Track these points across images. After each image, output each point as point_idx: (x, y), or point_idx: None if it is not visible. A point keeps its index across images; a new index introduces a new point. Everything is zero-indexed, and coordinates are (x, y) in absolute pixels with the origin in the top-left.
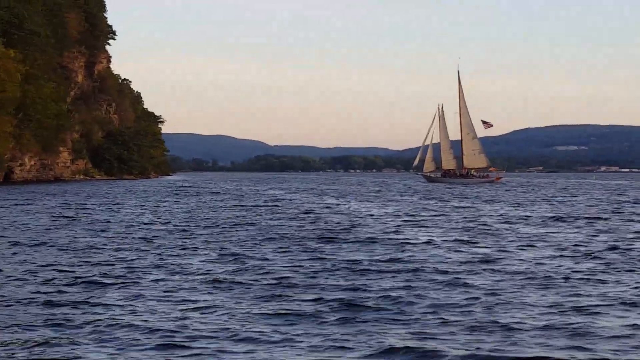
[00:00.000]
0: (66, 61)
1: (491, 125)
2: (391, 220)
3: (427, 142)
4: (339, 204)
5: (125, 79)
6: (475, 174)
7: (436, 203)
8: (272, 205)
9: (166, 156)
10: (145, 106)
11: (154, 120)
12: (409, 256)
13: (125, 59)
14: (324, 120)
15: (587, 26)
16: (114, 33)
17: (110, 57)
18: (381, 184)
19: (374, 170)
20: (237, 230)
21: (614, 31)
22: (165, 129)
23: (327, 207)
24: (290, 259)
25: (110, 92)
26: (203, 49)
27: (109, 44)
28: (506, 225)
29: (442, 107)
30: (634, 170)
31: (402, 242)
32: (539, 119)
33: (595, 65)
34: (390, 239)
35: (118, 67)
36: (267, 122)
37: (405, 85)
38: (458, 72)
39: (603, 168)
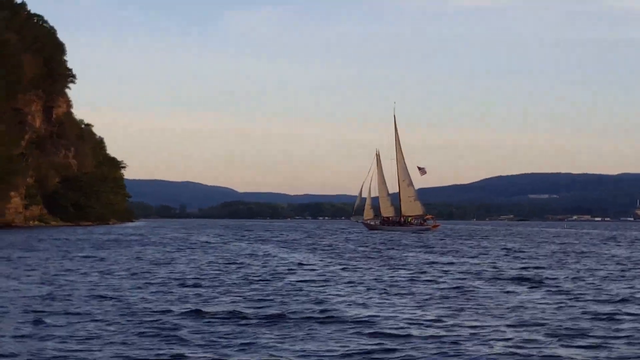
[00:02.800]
0: (20, 104)
1: (425, 172)
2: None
3: (365, 188)
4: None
5: (87, 124)
6: (413, 221)
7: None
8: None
9: (128, 202)
10: (109, 152)
11: (116, 165)
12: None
13: (89, 104)
14: (294, 168)
15: (563, 77)
16: (73, 77)
17: (70, 101)
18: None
19: (343, 218)
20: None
21: (589, 81)
22: (132, 175)
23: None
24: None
25: (69, 136)
26: (172, 96)
27: (68, 87)
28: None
29: (379, 153)
30: (606, 219)
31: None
32: (510, 166)
33: (568, 115)
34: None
35: (81, 112)
36: (236, 169)
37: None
38: (394, 117)
39: (575, 217)
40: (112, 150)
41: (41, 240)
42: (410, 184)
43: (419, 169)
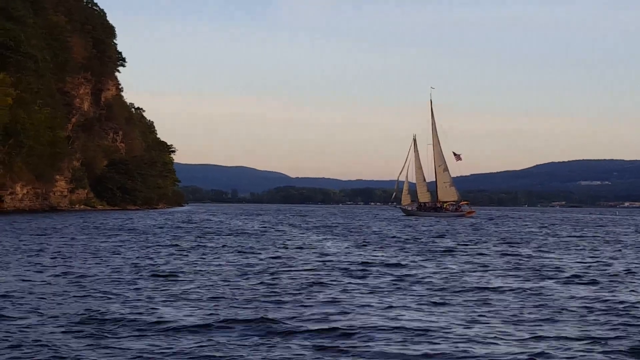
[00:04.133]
0: (68, 87)
1: (460, 158)
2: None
3: (403, 174)
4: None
5: (138, 108)
6: (448, 207)
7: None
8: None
9: (179, 187)
10: (160, 136)
11: (166, 149)
12: None
13: (142, 88)
14: (346, 154)
15: (616, 63)
16: (123, 60)
17: (120, 84)
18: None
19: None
20: None
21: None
22: (185, 160)
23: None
24: None
25: (118, 120)
26: (224, 82)
27: (118, 71)
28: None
29: (416, 139)
30: None
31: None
32: (562, 153)
33: (622, 101)
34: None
35: (132, 96)
36: (289, 155)
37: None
38: (431, 102)
39: (627, 203)
40: (164, 134)
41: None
42: (446, 169)
43: (455, 154)
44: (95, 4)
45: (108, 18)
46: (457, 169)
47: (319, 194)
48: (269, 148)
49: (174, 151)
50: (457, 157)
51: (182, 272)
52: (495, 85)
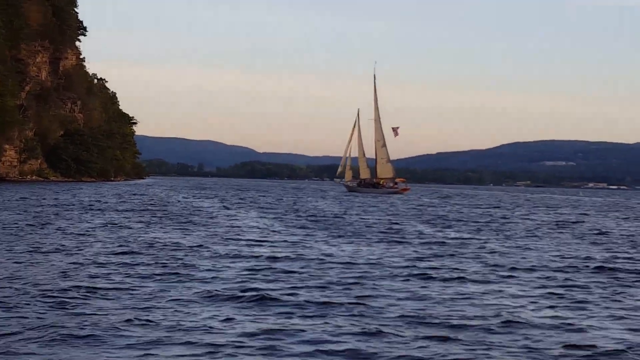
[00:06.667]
0: (23, 54)
1: (398, 133)
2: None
3: (348, 150)
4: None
5: (101, 79)
6: (384, 184)
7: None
8: None
9: (144, 160)
10: (124, 108)
11: (127, 121)
12: None
13: (107, 58)
14: (314, 129)
15: (578, 41)
16: (84, 29)
17: (81, 54)
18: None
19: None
20: None
21: (608, 48)
22: (152, 132)
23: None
24: None
25: (77, 90)
26: (190, 55)
27: (79, 40)
28: None
29: (359, 113)
30: (621, 187)
31: None
32: (527, 133)
33: (587, 81)
34: None
35: (97, 66)
36: (256, 129)
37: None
38: (374, 77)
39: (591, 184)
40: (129, 106)
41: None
42: (384, 145)
43: (393, 129)
44: None
45: None
46: (423, 147)
47: (285, 169)
48: (235, 121)
49: (135, 123)
50: (395, 131)
51: None
52: (463, 59)
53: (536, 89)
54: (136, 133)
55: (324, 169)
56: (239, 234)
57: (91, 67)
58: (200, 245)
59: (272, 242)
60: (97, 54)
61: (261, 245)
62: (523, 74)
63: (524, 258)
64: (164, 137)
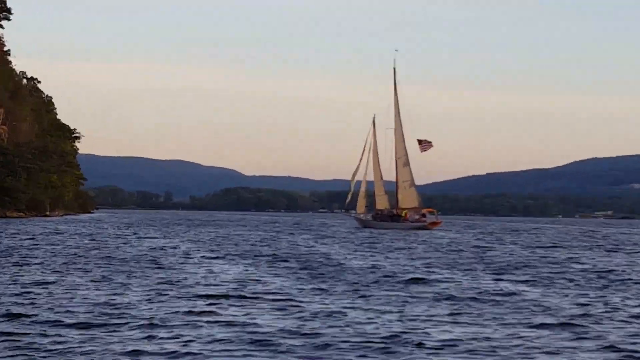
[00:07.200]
0: None
1: (426, 149)
2: None
3: (361, 172)
4: None
5: (32, 78)
6: (408, 217)
7: None
8: None
9: (84, 185)
10: (62, 117)
11: (68, 135)
12: None
13: (41, 54)
14: (318, 144)
15: None
16: (7, 11)
17: (5, 45)
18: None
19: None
20: None
21: None
22: (102, 150)
23: None
24: None
25: None
26: (153, 48)
27: (0, 25)
28: None
29: (374, 120)
30: None
31: None
32: (608, 147)
33: None
34: None
35: (27, 62)
36: (242, 145)
37: None
38: (394, 71)
39: None
40: (69, 115)
41: None
42: (407, 163)
43: (420, 142)
44: None
45: None
46: (469, 168)
47: (281, 197)
48: (214, 135)
49: (78, 137)
50: (423, 146)
51: None
52: (519, 50)
53: (619, 91)
54: (80, 151)
55: (334, 197)
56: None
57: (18, 63)
58: None
59: None
60: (27, 46)
61: None
62: (602, 72)
63: None
64: (118, 156)
